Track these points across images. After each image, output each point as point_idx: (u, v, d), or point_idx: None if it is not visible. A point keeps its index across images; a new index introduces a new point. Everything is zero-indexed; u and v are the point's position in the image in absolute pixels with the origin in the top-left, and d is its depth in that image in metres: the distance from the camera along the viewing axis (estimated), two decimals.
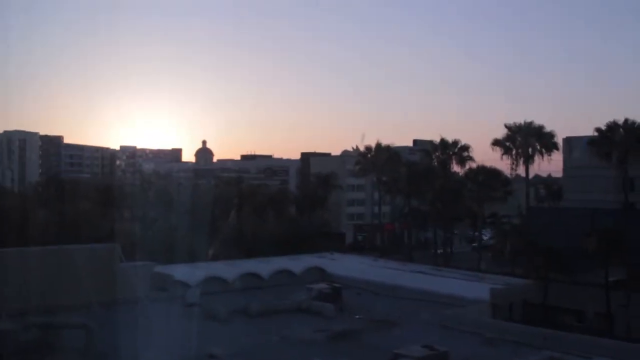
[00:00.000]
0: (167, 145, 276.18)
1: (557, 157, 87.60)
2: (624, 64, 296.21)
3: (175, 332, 31.49)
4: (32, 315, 31.20)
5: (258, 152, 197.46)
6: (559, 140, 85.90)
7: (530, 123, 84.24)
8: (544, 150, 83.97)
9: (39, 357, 27.03)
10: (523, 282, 51.12)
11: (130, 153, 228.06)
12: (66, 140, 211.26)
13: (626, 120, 68.43)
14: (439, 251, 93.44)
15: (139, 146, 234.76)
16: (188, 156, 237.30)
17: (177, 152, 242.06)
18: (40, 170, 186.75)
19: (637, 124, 68.12)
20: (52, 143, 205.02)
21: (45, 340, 28.46)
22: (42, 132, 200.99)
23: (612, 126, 68.85)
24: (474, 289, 44.42)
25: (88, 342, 28.99)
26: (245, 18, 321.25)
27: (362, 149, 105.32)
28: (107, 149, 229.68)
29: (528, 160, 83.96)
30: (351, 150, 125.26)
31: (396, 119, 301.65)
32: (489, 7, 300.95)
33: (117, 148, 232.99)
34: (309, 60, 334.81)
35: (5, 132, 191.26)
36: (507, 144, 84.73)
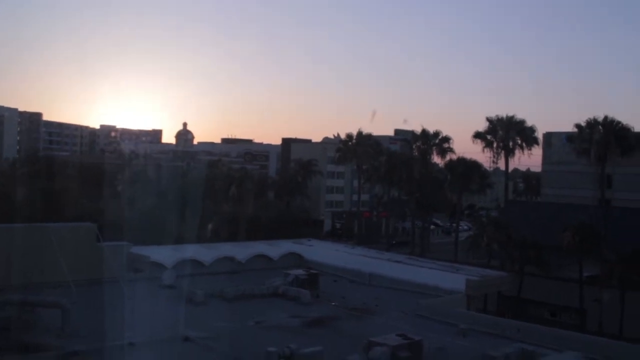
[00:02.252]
0: (148, 126, 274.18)
1: (537, 152, 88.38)
2: (605, 61, 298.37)
3: (151, 313, 31.44)
4: (8, 292, 31.00)
5: (239, 136, 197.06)
6: (539, 135, 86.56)
7: (512, 117, 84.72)
8: (524, 144, 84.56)
9: (14, 334, 26.87)
10: (498, 274, 51.55)
11: (110, 132, 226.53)
12: (46, 118, 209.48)
13: (605, 118, 68.90)
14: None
15: (119, 126, 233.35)
16: (169, 138, 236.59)
17: (157, 133, 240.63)
18: (18, 147, 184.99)
19: (615, 121, 68.59)
20: (32, 120, 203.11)
21: (21, 317, 28.33)
22: (22, 109, 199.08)
23: (592, 123, 69.26)
24: (450, 279, 44.68)
25: (62, 321, 28.88)
26: (228, 3, 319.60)
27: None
28: (87, 127, 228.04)
29: (508, 153, 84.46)
30: (332, 137, 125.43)
31: (378, 108, 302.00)
32: (473, 2, 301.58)
33: (98, 127, 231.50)
34: (292, 47, 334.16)
35: None
36: (488, 137, 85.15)
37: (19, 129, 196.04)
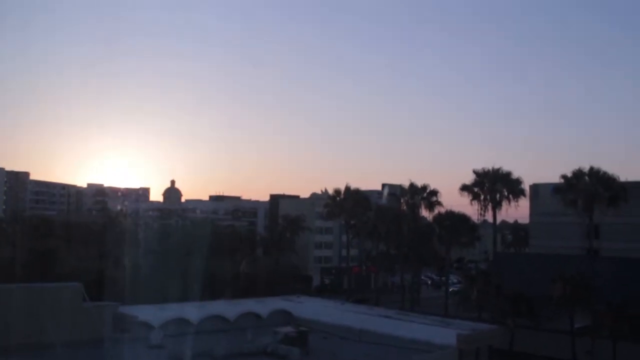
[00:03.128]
0: (135, 184, 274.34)
1: (524, 204, 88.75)
2: (590, 112, 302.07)
3: None
4: None
5: (227, 193, 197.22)
6: (526, 186, 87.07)
7: (498, 169, 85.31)
8: (511, 196, 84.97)
9: None
10: (489, 328, 51.08)
11: (97, 191, 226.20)
12: (32, 177, 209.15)
13: (591, 168, 69.50)
14: (406, 295, 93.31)
15: (106, 184, 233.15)
16: (156, 195, 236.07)
17: (145, 191, 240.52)
18: (4, 207, 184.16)
19: (602, 172, 69.21)
20: (18, 179, 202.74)
21: None
22: (8, 168, 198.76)
23: (578, 174, 69.84)
24: (441, 334, 44.16)
25: None
26: (214, 58, 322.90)
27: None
28: (74, 186, 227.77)
29: (496, 205, 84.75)
30: (320, 192, 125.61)
31: (365, 163, 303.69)
32: (458, 51, 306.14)
33: (85, 186, 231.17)
34: (278, 104, 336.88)
35: None
36: (476, 189, 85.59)
37: (5, 188, 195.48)
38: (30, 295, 39.20)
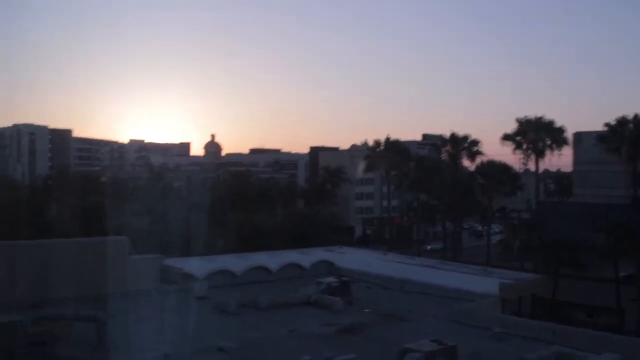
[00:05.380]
0: (177, 140, 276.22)
1: (567, 152, 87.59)
2: (635, 59, 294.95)
3: (185, 325, 31.56)
4: (44, 307, 31.30)
5: (267, 146, 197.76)
6: (570, 135, 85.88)
7: (541, 118, 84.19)
8: (554, 145, 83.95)
9: (49, 350, 27.10)
10: (532, 277, 50.98)
11: (139, 147, 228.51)
12: (75, 134, 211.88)
13: (636, 116, 68.20)
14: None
15: (148, 140, 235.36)
16: (197, 150, 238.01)
17: (186, 146, 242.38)
18: (50, 164, 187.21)
19: None
20: (62, 137, 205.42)
21: (55, 332, 28.54)
22: (52, 126, 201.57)
23: (622, 122, 68.62)
24: (483, 283, 44.23)
25: (98, 334, 29.06)
26: (255, 12, 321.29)
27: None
28: (117, 142, 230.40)
29: (539, 155, 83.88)
30: (360, 144, 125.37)
31: (405, 114, 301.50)
32: (499, 1, 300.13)
33: (127, 142, 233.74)
34: (318, 55, 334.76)
35: (15, 125, 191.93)
36: (518, 138, 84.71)
37: (50, 146, 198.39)
38: (78, 250, 40.18)
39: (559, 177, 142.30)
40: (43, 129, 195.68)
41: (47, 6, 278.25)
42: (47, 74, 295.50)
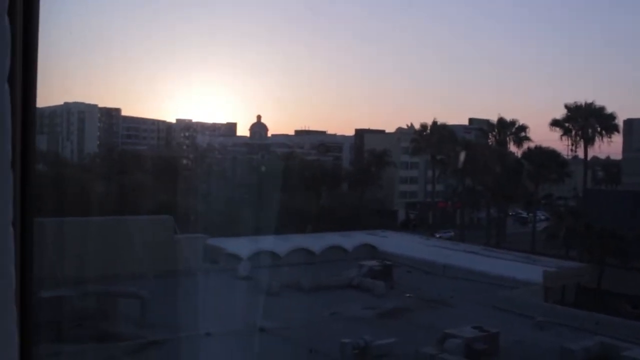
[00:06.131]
0: (223, 120, 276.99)
1: (617, 139, 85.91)
2: None
3: (227, 304, 31.92)
4: (89, 283, 31.89)
5: (312, 128, 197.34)
6: (620, 122, 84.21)
7: (591, 104, 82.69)
8: (604, 132, 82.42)
9: (94, 324, 27.66)
10: (577, 265, 50.40)
11: (186, 126, 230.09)
12: (124, 113, 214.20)
13: None
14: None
15: (194, 120, 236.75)
16: (243, 130, 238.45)
17: (232, 127, 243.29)
18: (98, 142, 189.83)
19: None
20: (110, 115, 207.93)
21: (101, 308, 29.12)
22: (101, 105, 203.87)
23: None
24: (527, 270, 43.91)
25: (142, 311, 29.57)
26: None
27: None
28: (164, 122, 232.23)
29: (587, 141, 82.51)
30: (406, 127, 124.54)
31: (451, 97, 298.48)
32: None
33: (174, 121, 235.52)
34: (362, 37, 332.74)
35: (65, 103, 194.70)
36: (567, 124, 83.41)
37: (99, 124, 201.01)
38: (124, 228, 40.77)
39: (607, 164, 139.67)
40: (92, 108, 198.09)
41: None
42: (97, 55, 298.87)
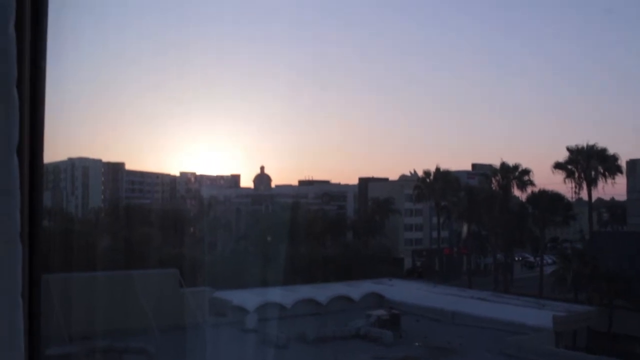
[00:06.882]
0: (226, 171, 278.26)
1: (621, 180, 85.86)
2: None
3: (234, 357, 31.61)
4: (94, 339, 31.64)
5: (315, 178, 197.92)
6: (623, 163, 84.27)
7: (593, 146, 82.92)
8: (607, 173, 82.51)
9: None
10: (586, 309, 49.93)
11: (189, 179, 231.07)
12: (128, 167, 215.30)
13: None
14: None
15: (198, 172, 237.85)
16: (247, 182, 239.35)
17: (235, 178, 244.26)
18: (103, 197, 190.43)
19: None
20: (114, 170, 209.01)
21: None
22: (105, 159, 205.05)
23: None
24: (536, 315, 43.52)
25: None
26: (300, 43, 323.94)
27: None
28: (168, 175, 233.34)
29: (591, 183, 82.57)
30: (409, 174, 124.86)
31: (453, 144, 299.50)
32: (545, 28, 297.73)
33: (177, 174, 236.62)
34: (365, 86, 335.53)
35: (69, 159, 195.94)
36: (570, 167, 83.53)
37: (103, 179, 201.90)
38: (129, 282, 40.61)
39: (612, 206, 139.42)
40: (96, 162, 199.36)
41: (98, 43, 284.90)
42: (101, 109, 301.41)
